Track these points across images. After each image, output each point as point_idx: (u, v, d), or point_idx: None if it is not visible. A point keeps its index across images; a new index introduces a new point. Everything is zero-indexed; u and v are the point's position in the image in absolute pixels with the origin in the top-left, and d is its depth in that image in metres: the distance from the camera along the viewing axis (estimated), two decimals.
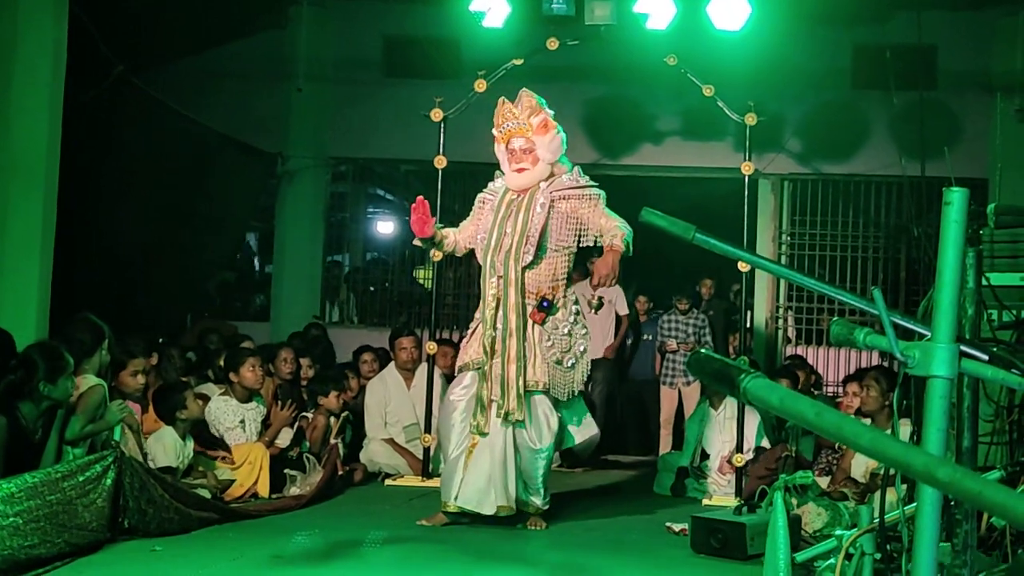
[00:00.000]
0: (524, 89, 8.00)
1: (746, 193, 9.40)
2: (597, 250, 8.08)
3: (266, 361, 9.49)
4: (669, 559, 7.05)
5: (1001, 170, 12.08)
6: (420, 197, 7.80)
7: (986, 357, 2.81)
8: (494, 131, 7.99)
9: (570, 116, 13.16)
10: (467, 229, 8.13)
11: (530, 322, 7.69)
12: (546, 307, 7.71)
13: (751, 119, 9.19)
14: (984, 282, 4.14)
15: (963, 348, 2.64)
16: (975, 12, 12.55)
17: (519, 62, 9.41)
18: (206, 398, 8.78)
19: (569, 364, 7.79)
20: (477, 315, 7.93)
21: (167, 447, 7.83)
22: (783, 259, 12.96)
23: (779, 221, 13.17)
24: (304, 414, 9.31)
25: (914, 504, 2.60)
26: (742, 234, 9.32)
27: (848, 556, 4.29)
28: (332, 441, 9.11)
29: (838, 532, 4.51)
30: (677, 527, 7.70)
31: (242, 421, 8.80)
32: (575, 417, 8.21)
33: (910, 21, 10.77)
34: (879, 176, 12.75)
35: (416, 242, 8.06)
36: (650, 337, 12.39)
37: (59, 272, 9.23)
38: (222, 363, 9.31)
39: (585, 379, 8.07)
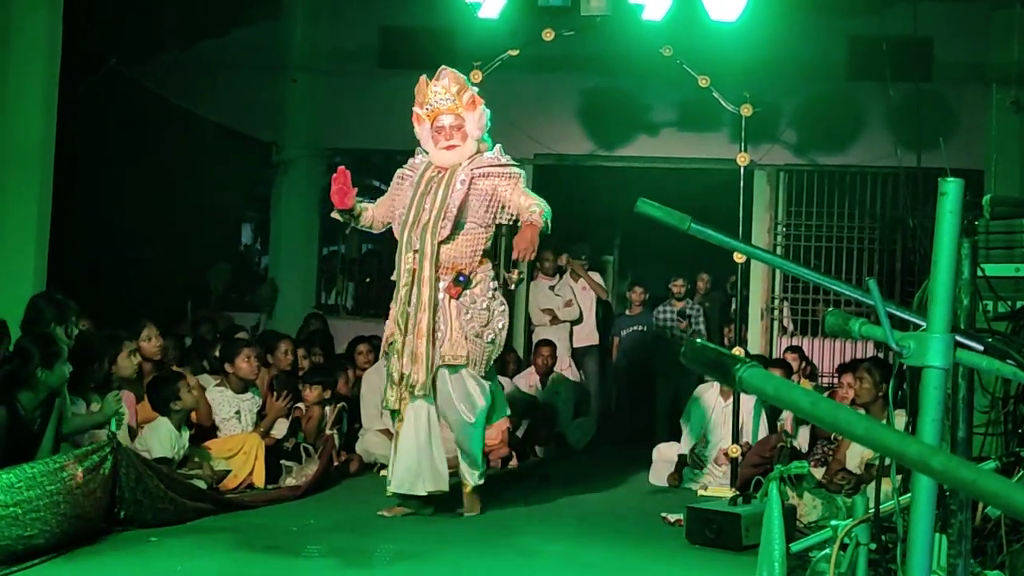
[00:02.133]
0: (445, 67, 8.06)
1: (742, 184, 9.39)
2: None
3: (264, 352, 9.48)
4: (664, 549, 7.07)
5: (996, 161, 12.07)
6: (342, 168, 7.88)
7: (981, 347, 2.81)
8: (416, 109, 7.99)
9: (565, 107, 13.23)
10: (384, 204, 8.14)
11: (446, 296, 7.71)
12: (462, 281, 7.74)
13: (747, 110, 9.18)
14: (979, 273, 4.14)
15: (958, 338, 2.64)
16: (971, 4, 12.54)
17: (514, 53, 9.38)
18: (201, 389, 8.77)
19: (489, 339, 7.82)
20: (396, 296, 7.85)
21: (162, 438, 7.83)
22: (779, 250, 12.96)
23: (775, 212, 13.17)
24: (298, 404, 9.30)
25: (909, 494, 2.60)
26: (738, 225, 9.31)
27: (843, 546, 4.30)
28: (328, 432, 9.11)
29: (833, 523, 4.51)
30: (673, 517, 7.71)
31: (237, 412, 8.80)
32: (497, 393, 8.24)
33: (906, 12, 10.80)
34: (875, 167, 12.75)
35: (334, 215, 8.11)
36: (645, 328, 12.40)
37: (55, 262, 9.23)
38: (218, 354, 9.31)
39: (498, 355, 8.11)
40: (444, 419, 7.81)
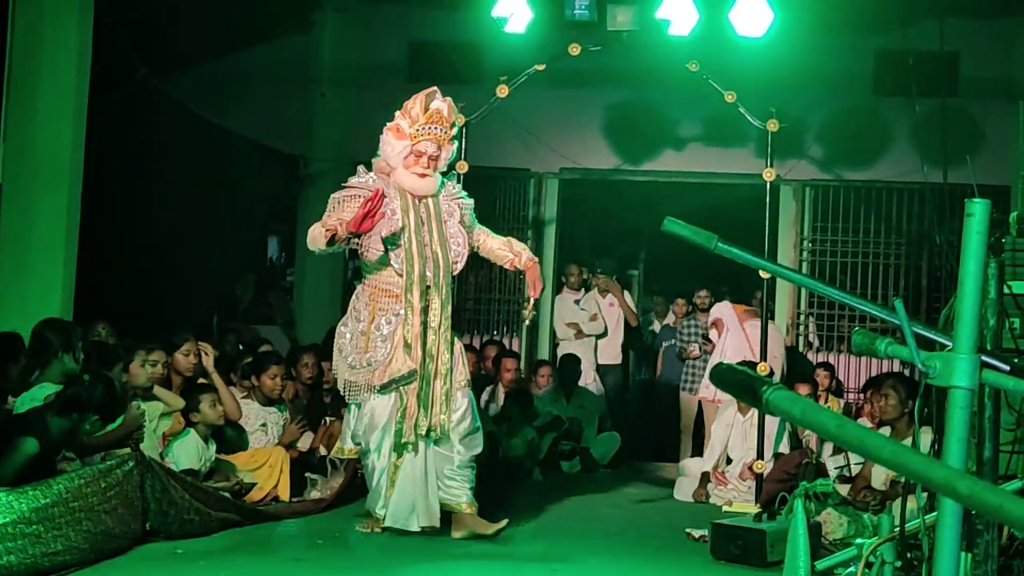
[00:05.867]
0: (439, 92, 7.75)
1: (767, 199, 9.39)
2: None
3: (291, 365, 9.49)
4: (689, 565, 7.07)
5: (1023, 178, 12.03)
6: (380, 190, 7.27)
7: (1007, 368, 2.82)
8: (405, 124, 7.54)
9: (591, 121, 13.24)
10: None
11: (451, 329, 7.55)
12: None
13: (773, 125, 9.18)
14: (1006, 290, 4.14)
15: (984, 359, 2.65)
16: (998, 19, 12.51)
17: (541, 67, 9.41)
18: (232, 399, 8.78)
19: None
20: (383, 328, 7.41)
21: (189, 450, 7.86)
22: (804, 266, 12.94)
23: (800, 227, 13.15)
24: (324, 418, 9.30)
25: (935, 513, 2.61)
26: (763, 240, 9.30)
27: (868, 565, 4.29)
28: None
29: (858, 541, 4.50)
30: (697, 533, 7.70)
31: (264, 424, 8.83)
32: None
33: (932, 28, 10.76)
34: (901, 183, 12.73)
35: (340, 239, 7.22)
36: (675, 343, 12.39)
37: (82, 274, 9.29)
38: (247, 364, 9.31)
39: None
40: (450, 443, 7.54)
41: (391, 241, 7.36)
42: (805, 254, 13.11)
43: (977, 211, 2.63)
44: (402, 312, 7.38)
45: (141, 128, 11.21)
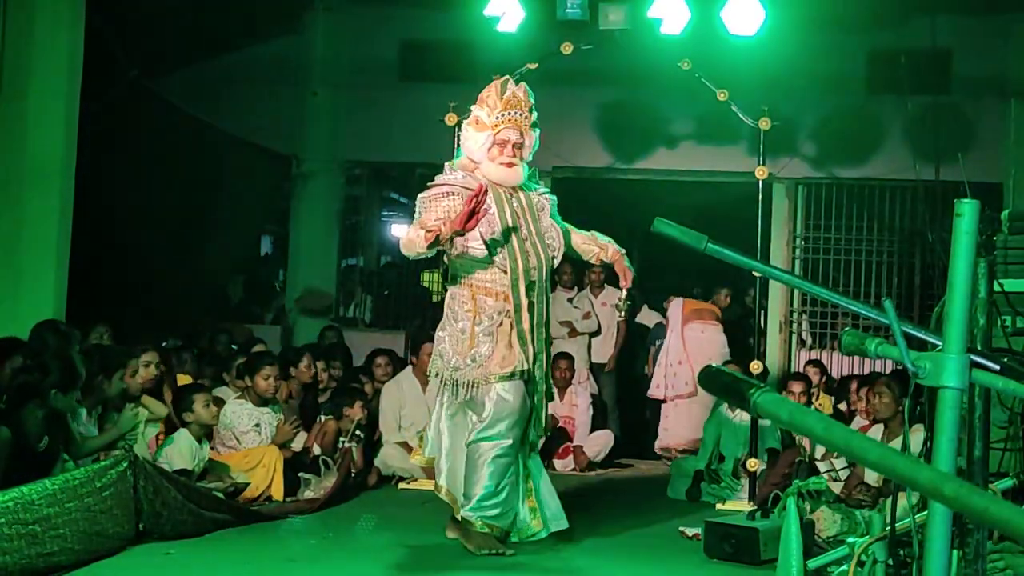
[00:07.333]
0: (511, 79, 7.61)
1: (760, 197, 9.39)
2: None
3: (285, 365, 9.47)
4: (682, 564, 7.06)
5: (1015, 174, 12.04)
6: (484, 185, 6.89)
7: (997, 367, 2.82)
8: (482, 114, 7.29)
9: (584, 120, 13.24)
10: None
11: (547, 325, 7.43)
12: None
13: (765, 123, 9.18)
14: (998, 289, 4.13)
15: (974, 358, 2.65)
16: (990, 16, 12.52)
17: (533, 66, 9.40)
18: (221, 401, 8.79)
19: None
20: (484, 323, 7.10)
21: (182, 450, 7.86)
22: (797, 264, 12.94)
23: (793, 226, 13.15)
24: (326, 417, 9.29)
25: (925, 511, 2.61)
26: (756, 239, 9.30)
27: (860, 563, 4.30)
28: (347, 445, 9.10)
29: (850, 539, 4.51)
30: (691, 532, 7.70)
31: (257, 424, 8.81)
32: None
33: (925, 26, 10.81)
34: (893, 181, 12.72)
35: (423, 247, 6.86)
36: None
37: (76, 277, 9.27)
38: (241, 364, 9.31)
39: None
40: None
41: (492, 238, 7.08)
42: (798, 252, 13.11)
43: (966, 211, 2.63)
44: (504, 310, 7.11)
45: (132, 129, 11.19)
